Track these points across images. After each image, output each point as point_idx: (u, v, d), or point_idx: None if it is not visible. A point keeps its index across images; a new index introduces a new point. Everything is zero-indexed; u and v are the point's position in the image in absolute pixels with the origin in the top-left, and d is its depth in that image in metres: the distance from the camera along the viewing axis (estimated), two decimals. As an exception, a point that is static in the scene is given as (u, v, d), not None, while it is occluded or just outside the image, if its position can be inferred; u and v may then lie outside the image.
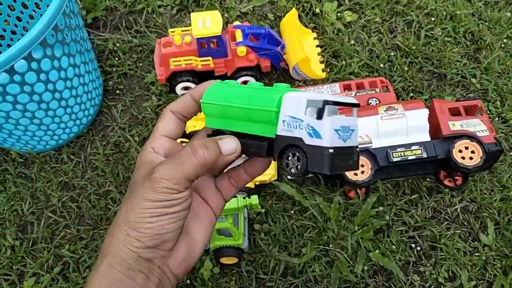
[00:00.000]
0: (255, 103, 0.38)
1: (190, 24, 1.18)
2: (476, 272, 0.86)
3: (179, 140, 0.46)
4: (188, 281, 0.87)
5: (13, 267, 0.91)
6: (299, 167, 0.38)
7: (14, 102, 0.83)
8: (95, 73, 1.03)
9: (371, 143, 0.88)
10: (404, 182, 0.94)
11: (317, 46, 1.12)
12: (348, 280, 0.85)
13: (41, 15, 1.07)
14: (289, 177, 0.95)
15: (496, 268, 0.86)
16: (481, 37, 1.14)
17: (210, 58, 1.02)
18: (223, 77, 1.07)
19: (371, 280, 0.86)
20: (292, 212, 0.92)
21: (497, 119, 1.02)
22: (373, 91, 0.99)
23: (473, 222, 0.90)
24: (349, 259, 0.86)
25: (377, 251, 0.87)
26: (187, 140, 0.96)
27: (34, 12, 1.09)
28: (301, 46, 1.03)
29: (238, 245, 0.84)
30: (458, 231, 0.89)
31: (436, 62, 1.10)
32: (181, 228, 0.40)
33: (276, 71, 1.11)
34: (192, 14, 1.00)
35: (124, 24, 1.21)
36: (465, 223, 0.91)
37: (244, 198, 0.82)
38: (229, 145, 0.39)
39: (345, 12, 1.18)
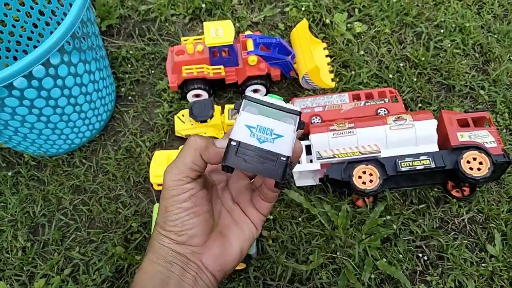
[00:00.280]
0: None
1: (202, 33, 1.21)
2: (482, 283, 0.86)
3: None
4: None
5: (24, 268, 0.92)
6: None
7: (30, 106, 0.85)
8: (109, 80, 1.05)
9: (379, 152, 0.89)
10: (412, 191, 0.95)
11: (326, 56, 1.14)
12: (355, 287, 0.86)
13: (57, 22, 1.11)
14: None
15: (503, 279, 0.86)
16: (490, 50, 1.15)
17: (221, 66, 1.04)
18: (234, 85, 1.09)
19: (378, 288, 0.87)
20: (300, 219, 0.93)
21: (505, 130, 1.03)
22: (382, 101, 1.00)
23: (480, 233, 0.91)
24: (356, 267, 0.87)
25: (384, 259, 0.87)
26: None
27: (50, 19, 1.11)
28: (311, 56, 1.04)
29: (246, 251, 0.84)
30: (465, 241, 0.90)
31: (445, 73, 1.11)
32: (205, 224, 0.44)
33: (286, 80, 1.13)
34: (205, 23, 1.02)
35: (137, 32, 1.24)
36: (472, 234, 0.91)
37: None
38: (222, 142, 0.42)
39: (355, 23, 1.20)
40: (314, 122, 1.00)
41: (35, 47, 1.17)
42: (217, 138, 0.43)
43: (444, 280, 0.86)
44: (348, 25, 1.20)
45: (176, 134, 1.04)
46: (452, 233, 0.91)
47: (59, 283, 0.90)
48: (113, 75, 1.15)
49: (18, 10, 1.09)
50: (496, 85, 1.10)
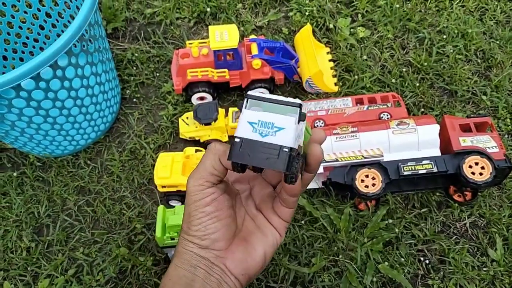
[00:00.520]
0: None
1: (206, 37, 1.22)
2: (484, 287, 0.86)
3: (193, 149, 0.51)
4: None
5: (28, 268, 0.93)
6: None
7: (37, 108, 0.86)
8: (114, 82, 1.06)
9: (382, 156, 0.89)
10: (414, 195, 0.95)
11: (330, 60, 1.15)
12: (357, 291, 0.86)
13: (64, 24, 1.12)
14: None
15: (504, 283, 0.86)
16: (492, 55, 1.16)
17: (226, 70, 1.05)
18: (238, 89, 1.10)
19: (379, 291, 0.87)
20: (302, 222, 0.93)
21: (506, 136, 1.04)
22: (385, 106, 1.00)
23: (482, 237, 0.91)
24: (358, 270, 0.88)
25: (386, 263, 0.88)
26: (203, 149, 0.98)
27: (56, 21, 1.12)
28: (315, 60, 1.05)
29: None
30: (467, 245, 0.90)
31: (447, 78, 1.12)
32: (227, 229, 0.45)
33: (290, 84, 1.14)
34: (210, 27, 1.03)
35: (142, 35, 1.25)
36: (474, 238, 0.92)
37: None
38: None
39: (358, 28, 1.21)
40: (317, 125, 1.01)
41: (41, 48, 1.18)
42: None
43: (446, 284, 0.87)
44: (352, 30, 1.21)
45: (181, 136, 1.05)
46: (454, 237, 0.92)
47: (63, 283, 0.91)
48: (118, 77, 1.16)
49: (25, 12, 1.10)
50: (498, 91, 1.10)
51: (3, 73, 1.14)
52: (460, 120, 0.92)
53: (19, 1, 1.08)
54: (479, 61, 1.16)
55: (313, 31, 1.19)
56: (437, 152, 0.90)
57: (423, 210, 0.94)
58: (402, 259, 0.89)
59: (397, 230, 0.91)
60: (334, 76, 1.13)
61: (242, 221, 0.49)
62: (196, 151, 0.97)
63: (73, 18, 1.07)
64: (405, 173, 0.88)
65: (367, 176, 0.89)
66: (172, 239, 0.81)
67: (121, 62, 1.19)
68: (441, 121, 0.93)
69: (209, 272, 0.45)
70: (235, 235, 0.47)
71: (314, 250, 0.90)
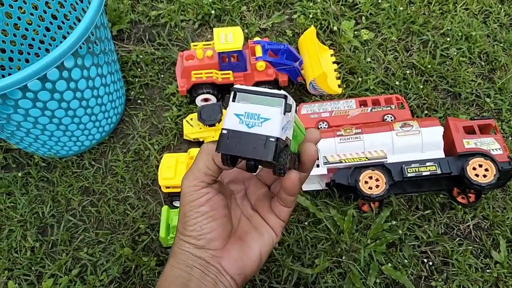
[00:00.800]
0: None
1: (211, 39, 1.22)
2: (488, 289, 0.86)
3: (197, 151, 0.51)
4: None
5: (33, 268, 0.94)
6: None
7: (43, 109, 0.86)
8: (119, 83, 1.07)
9: (386, 158, 0.90)
10: (418, 197, 0.96)
11: (334, 62, 1.15)
12: (360, 292, 0.86)
13: (70, 26, 1.13)
14: None
15: (508, 285, 0.86)
16: (495, 58, 1.16)
17: (230, 71, 1.05)
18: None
19: (383, 293, 0.87)
20: (306, 223, 0.94)
21: (510, 138, 1.04)
22: (389, 108, 1.01)
23: (485, 239, 0.91)
24: (361, 272, 0.88)
25: (390, 264, 0.88)
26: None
27: (62, 23, 1.13)
28: (319, 62, 1.06)
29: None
30: (470, 247, 0.90)
31: (451, 81, 1.12)
32: (223, 228, 0.46)
33: (293, 86, 1.14)
34: (214, 29, 1.04)
35: (147, 36, 1.25)
36: (477, 240, 0.92)
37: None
38: None
39: (362, 30, 1.21)
40: (321, 127, 1.01)
41: (47, 50, 1.19)
42: None
43: (449, 285, 0.87)
44: (355, 32, 1.21)
45: (185, 137, 1.05)
46: (457, 239, 0.92)
47: (67, 283, 0.91)
48: (123, 78, 1.17)
49: (32, 14, 1.11)
50: (502, 93, 1.10)
51: (10, 74, 1.15)
52: (464, 122, 0.92)
53: (25, 3, 1.09)
54: (482, 63, 1.16)
55: (317, 34, 1.20)
56: (441, 154, 0.90)
57: (426, 212, 0.94)
58: (406, 261, 0.89)
59: (400, 231, 0.91)
60: (338, 78, 1.13)
61: (238, 221, 0.50)
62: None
63: (79, 20, 1.09)
64: (409, 174, 0.88)
65: (370, 177, 0.90)
66: (176, 239, 0.81)
67: (126, 63, 1.20)
68: (445, 123, 0.93)
69: (205, 272, 0.45)
70: (231, 235, 0.47)
71: (317, 251, 0.91)
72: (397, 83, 1.11)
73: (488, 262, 0.89)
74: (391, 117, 0.99)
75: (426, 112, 1.08)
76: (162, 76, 1.18)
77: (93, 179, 1.04)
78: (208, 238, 0.45)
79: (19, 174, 1.05)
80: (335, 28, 1.21)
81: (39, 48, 1.18)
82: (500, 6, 1.26)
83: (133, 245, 0.94)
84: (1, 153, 1.09)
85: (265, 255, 0.48)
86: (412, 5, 1.27)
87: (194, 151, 0.97)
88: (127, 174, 1.03)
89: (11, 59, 1.16)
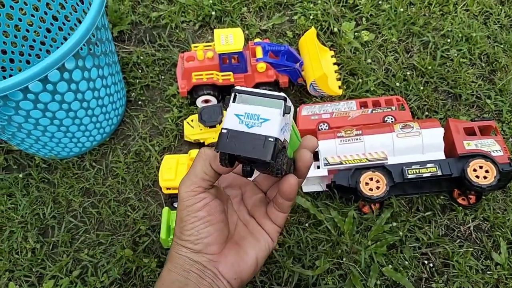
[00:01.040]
0: None
1: (211, 40, 1.22)
2: (488, 291, 0.86)
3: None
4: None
5: (33, 269, 0.94)
6: None
7: (44, 110, 0.86)
8: (120, 85, 1.07)
9: (386, 159, 0.90)
10: (418, 199, 0.96)
11: (334, 64, 1.15)
12: (360, 293, 0.86)
13: (71, 27, 1.13)
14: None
15: (508, 286, 0.86)
16: (496, 59, 1.16)
17: (230, 73, 1.05)
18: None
19: (383, 294, 0.87)
20: (306, 225, 0.94)
21: (511, 139, 1.04)
22: (389, 109, 1.01)
23: (486, 241, 0.91)
24: (362, 273, 0.88)
25: (390, 266, 0.88)
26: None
27: (63, 25, 1.13)
28: (319, 63, 1.06)
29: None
30: (471, 249, 0.90)
31: (451, 82, 1.12)
32: (220, 233, 0.46)
33: (294, 87, 1.14)
34: (215, 30, 1.04)
35: (148, 38, 1.26)
36: (478, 241, 0.92)
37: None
38: None
39: (362, 31, 1.21)
40: (321, 128, 1.01)
41: (47, 51, 1.19)
42: None
43: (450, 287, 0.87)
44: (356, 33, 1.21)
45: (185, 138, 1.05)
46: (458, 240, 0.92)
47: (68, 284, 0.91)
48: (124, 80, 1.17)
49: (32, 15, 1.11)
50: (503, 95, 1.10)
51: (11, 75, 1.15)
52: (465, 124, 0.92)
53: (26, 4, 1.09)
54: (483, 65, 1.16)
55: (318, 35, 1.20)
56: (441, 156, 0.90)
57: (427, 213, 0.94)
58: (406, 262, 0.89)
59: (401, 233, 0.91)
60: (338, 79, 1.13)
61: (235, 226, 0.50)
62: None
63: (79, 22, 1.09)
64: (410, 176, 0.88)
65: (371, 179, 0.90)
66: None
67: (126, 65, 1.20)
68: (446, 124, 0.93)
69: (201, 276, 0.45)
70: (228, 240, 0.48)
71: (318, 253, 0.91)
72: (397, 84, 1.11)
73: (489, 264, 0.89)
74: (391, 119, 1.00)
75: (426, 113, 1.08)
76: (162, 77, 1.18)
77: (94, 180, 1.04)
78: (205, 243, 0.45)
79: (20, 176, 1.05)
80: (335, 29, 1.21)
81: (40, 50, 1.18)
82: (500, 7, 1.26)
83: (134, 247, 0.94)
84: (2, 155, 1.09)
85: (261, 260, 0.49)
86: (412, 6, 1.27)
87: (194, 152, 0.97)
88: (127, 175, 1.03)
89: (12, 61, 1.16)
